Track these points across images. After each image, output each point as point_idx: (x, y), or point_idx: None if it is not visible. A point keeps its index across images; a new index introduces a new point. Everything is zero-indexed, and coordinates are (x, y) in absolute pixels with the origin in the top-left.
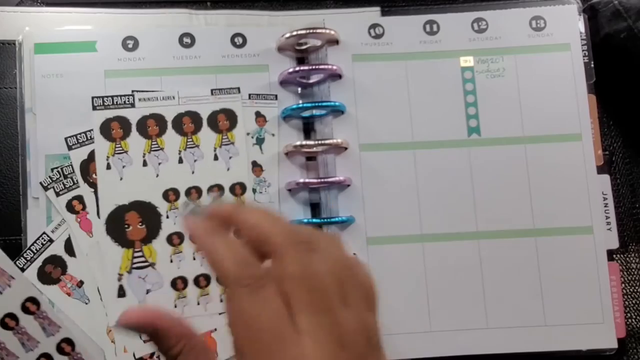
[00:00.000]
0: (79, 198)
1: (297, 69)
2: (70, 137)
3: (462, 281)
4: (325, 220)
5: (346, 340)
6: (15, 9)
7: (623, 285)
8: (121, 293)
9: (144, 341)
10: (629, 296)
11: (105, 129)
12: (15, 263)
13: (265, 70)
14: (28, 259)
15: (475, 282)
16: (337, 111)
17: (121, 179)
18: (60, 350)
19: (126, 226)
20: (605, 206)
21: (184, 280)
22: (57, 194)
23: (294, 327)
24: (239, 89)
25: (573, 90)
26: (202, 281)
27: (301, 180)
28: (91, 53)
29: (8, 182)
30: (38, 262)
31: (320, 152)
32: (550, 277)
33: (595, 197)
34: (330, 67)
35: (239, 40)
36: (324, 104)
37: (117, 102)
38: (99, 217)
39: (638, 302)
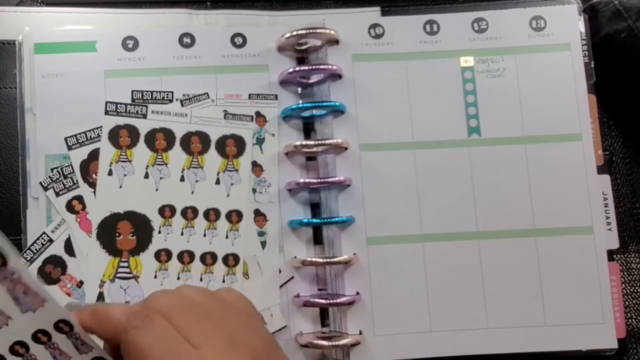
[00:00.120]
0: (79, 198)
1: (297, 69)
2: (70, 137)
3: (462, 281)
4: (325, 220)
5: (237, 338)
6: (15, 9)
7: (623, 285)
8: (99, 300)
9: None
10: (629, 296)
11: (114, 135)
12: None
13: (265, 70)
14: (28, 259)
15: (476, 282)
16: (337, 111)
17: (120, 187)
18: None
19: (117, 235)
20: (605, 206)
21: None
22: (57, 194)
23: (190, 344)
24: (252, 117)
25: (573, 90)
26: None
27: (301, 180)
28: (91, 53)
29: (8, 182)
30: (38, 262)
31: (320, 152)
32: (550, 277)
33: (596, 197)
34: (330, 67)
35: (239, 40)
36: (324, 104)
37: (129, 110)
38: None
39: (638, 302)
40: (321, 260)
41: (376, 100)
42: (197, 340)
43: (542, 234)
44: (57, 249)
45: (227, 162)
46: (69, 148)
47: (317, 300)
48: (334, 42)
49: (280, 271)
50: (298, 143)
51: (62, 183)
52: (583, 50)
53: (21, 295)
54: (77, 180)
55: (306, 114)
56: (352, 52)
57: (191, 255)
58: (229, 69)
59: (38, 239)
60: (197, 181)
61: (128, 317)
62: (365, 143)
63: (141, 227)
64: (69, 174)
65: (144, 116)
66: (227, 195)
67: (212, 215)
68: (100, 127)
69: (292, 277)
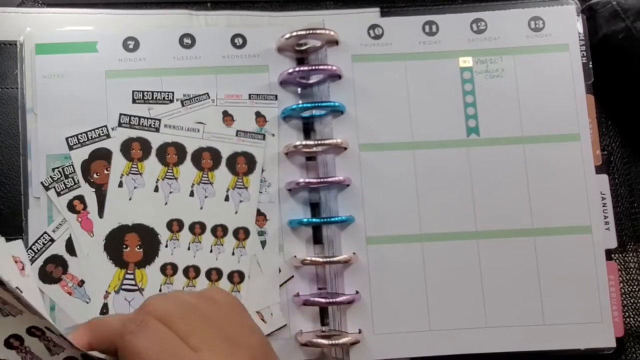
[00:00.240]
0: (80, 198)
1: (297, 69)
2: (71, 137)
3: (461, 280)
4: (325, 220)
5: (236, 339)
6: (16, 10)
7: (621, 284)
8: (104, 311)
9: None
10: (627, 295)
11: (126, 147)
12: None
13: (265, 71)
14: (29, 258)
15: (474, 281)
16: (337, 111)
17: (130, 199)
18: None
19: (124, 247)
20: (603, 206)
21: None
22: (58, 194)
23: (189, 347)
24: (264, 135)
25: (571, 91)
26: None
27: (301, 180)
28: (92, 53)
29: (9, 181)
30: (39, 262)
31: (320, 152)
32: (548, 276)
33: (594, 196)
34: (329, 67)
35: (239, 40)
36: (324, 104)
37: (143, 123)
38: (100, 217)
39: (636, 301)
40: (321, 259)
41: (376, 100)
42: (196, 343)
43: (541, 233)
44: (58, 248)
45: (237, 179)
46: (70, 148)
47: (316, 299)
48: (334, 42)
49: (280, 270)
50: (298, 143)
51: (64, 183)
52: (581, 51)
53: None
54: (78, 180)
55: (306, 114)
56: (351, 52)
57: (197, 270)
58: (229, 69)
59: (39, 238)
60: (206, 197)
61: (124, 323)
62: (364, 143)
63: (148, 240)
64: (70, 173)
65: (157, 130)
66: (236, 212)
67: (219, 231)
68: (102, 126)
69: (292, 277)
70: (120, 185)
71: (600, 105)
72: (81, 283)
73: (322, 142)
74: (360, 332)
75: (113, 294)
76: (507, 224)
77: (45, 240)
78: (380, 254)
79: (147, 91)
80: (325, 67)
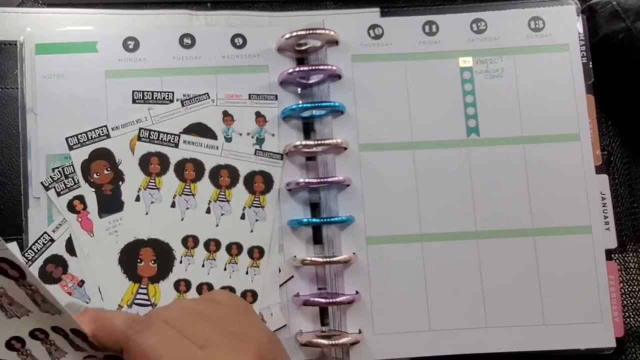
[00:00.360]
0: (80, 198)
1: (297, 69)
2: (71, 137)
3: (461, 280)
4: (325, 219)
5: (240, 334)
6: (16, 10)
7: (621, 284)
8: None
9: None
10: (627, 295)
11: (144, 162)
12: None
13: (265, 71)
14: (29, 258)
15: (474, 281)
16: (337, 111)
17: (147, 213)
18: None
19: (139, 261)
20: (603, 206)
21: None
22: (58, 194)
23: (196, 345)
24: (281, 155)
25: (572, 91)
26: None
27: (301, 180)
28: (92, 53)
29: (9, 181)
30: (39, 262)
31: (320, 152)
32: (548, 276)
33: (594, 197)
34: (329, 67)
35: (239, 40)
36: (324, 104)
37: (162, 138)
38: (100, 217)
39: (636, 301)
40: (321, 259)
41: (375, 100)
42: (201, 341)
43: (541, 233)
44: (58, 248)
45: (253, 198)
46: (70, 148)
47: (316, 299)
48: (334, 42)
49: (280, 270)
50: (298, 143)
51: (64, 183)
52: (581, 51)
53: (40, 300)
54: (78, 180)
55: (306, 114)
56: (351, 52)
57: (210, 287)
58: (229, 69)
59: (39, 238)
60: (222, 214)
61: (129, 324)
62: (364, 143)
63: (163, 255)
64: (70, 173)
65: (176, 145)
66: (251, 231)
67: (234, 249)
68: (102, 126)
69: (292, 277)
70: (138, 199)
71: (600, 105)
72: (81, 283)
73: (322, 142)
74: (360, 332)
75: (126, 308)
76: (507, 224)
77: (45, 240)
78: (380, 254)
79: (147, 91)
80: (325, 67)
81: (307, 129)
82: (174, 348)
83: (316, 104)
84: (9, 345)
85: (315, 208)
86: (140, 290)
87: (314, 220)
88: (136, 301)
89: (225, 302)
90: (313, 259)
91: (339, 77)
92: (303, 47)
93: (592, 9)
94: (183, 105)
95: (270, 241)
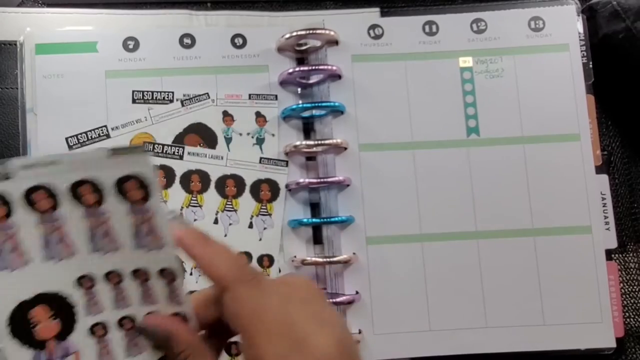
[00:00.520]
0: None
1: (297, 69)
2: (71, 137)
3: (461, 280)
4: (325, 219)
5: (342, 337)
6: (16, 10)
7: (621, 284)
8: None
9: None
10: (627, 295)
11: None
12: None
13: (265, 71)
14: None
15: (474, 281)
16: (337, 111)
17: None
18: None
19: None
20: (603, 206)
21: None
22: None
23: (294, 318)
24: (287, 162)
25: (572, 91)
26: None
27: (301, 180)
28: (92, 53)
29: None
30: None
31: (320, 152)
32: (549, 276)
33: (594, 197)
34: (329, 67)
35: (239, 40)
36: (324, 104)
37: (166, 151)
38: None
39: (636, 301)
40: (321, 259)
41: (375, 100)
42: (292, 317)
43: (541, 233)
44: None
45: (260, 206)
46: (70, 148)
47: None
48: (334, 42)
49: (280, 271)
50: (298, 143)
51: None
52: (581, 51)
53: (142, 233)
54: None
55: (306, 114)
56: (351, 52)
57: None
58: (229, 69)
59: None
60: (230, 224)
61: (239, 267)
62: (364, 143)
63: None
64: None
65: (181, 157)
66: (260, 240)
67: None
68: (102, 126)
69: None
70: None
71: (601, 105)
72: None
73: (322, 142)
74: (360, 332)
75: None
76: (507, 224)
77: None
78: (380, 254)
79: (147, 91)
80: (325, 67)
81: (307, 129)
82: (279, 318)
83: (316, 104)
84: (78, 282)
85: (315, 208)
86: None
87: (314, 220)
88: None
89: (301, 286)
90: (313, 259)
91: (339, 77)
92: (303, 47)
93: (592, 9)
94: (183, 105)
95: (279, 248)
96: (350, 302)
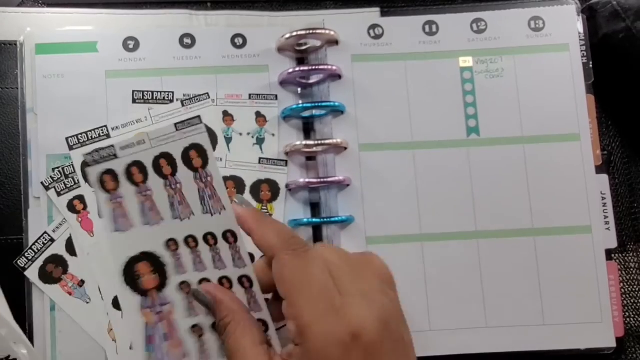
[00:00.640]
0: (80, 198)
1: (297, 69)
2: (71, 137)
3: (461, 280)
4: (325, 219)
5: (384, 315)
6: (16, 10)
7: (621, 284)
8: None
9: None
10: (628, 295)
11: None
12: (16, 262)
13: (265, 71)
14: (29, 258)
15: (475, 281)
16: (337, 111)
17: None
18: (241, 282)
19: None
20: (603, 206)
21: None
22: (59, 194)
23: (337, 287)
24: (286, 162)
25: (572, 91)
26: None
27: (301, 180)
28: (92, 53)
29: (9, 182)
30: (39, 262)
31: (320, 152)
32: (549, 276)
33: (594, 196)
34: (330, 67)
35: (239, 40)
36: (324, 104)
37: None
38: (100, 217)
39: (636, 301)
40: None
41: (376, 100)
42: (343, 288)
43: (541, 233)
44: (58, 248)
45: (261, 206)
46: (70, 148)
47: None
48: (334, 42)
49: None
50: (298, 143)
51: (64, 183)
52: (581, 51)
53: (207, 198)
54: (78, 180)
55: (306, 114)
56: (351, 52)
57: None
58: (229, 69)
59: (39, 238)
60: None
61: (286, 239)
62: (364, 143)
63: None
64: (70, 173)
65: None
66: None
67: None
68: (103, 126)
69: None
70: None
71: (601, 105)
72: (81, 283)
73: (322, 142)
74: None
75: None
76: (507, 224)
77: (46, 240)
78: (380, 254)
79: (148, 91)
80: (325, 67)
81: (307, 129)
82: (318, 283)
83: (316, 104)
84: (167, 245)
85: (315, 208)
86: None
87: (314, 220)
88: None
89: (376, 266)
90: None
91: (339, 77)
92: (303, 47)
93: (593, 9)
94: (183, 105)
95: None
96: None
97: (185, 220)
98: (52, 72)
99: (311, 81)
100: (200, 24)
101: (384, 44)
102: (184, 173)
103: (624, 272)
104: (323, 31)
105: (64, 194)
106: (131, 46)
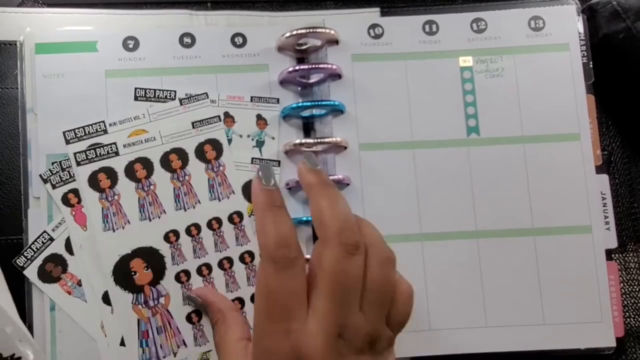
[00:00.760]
0: (75, 191)
1: (297, 68)
2: (68, 131)
3: (461, 280)
4: None
5: (347, 333)
6: (16, 10)
7: (621, 284)
8: None
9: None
10: (628, 295)
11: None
12: (15, 262)
13: (265, 70)
14: (28, 257)
15: (475, 281)
16: (337, 111)
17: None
18: (242, 259)
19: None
20: (604, 206)
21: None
22: (54, 187)
23: (307, 305)
24: (279, 162)
25: (572, 90)
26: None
27: None
28: (92, 53)
29: (9, 181)
30: (38, 261)
31: (320, 151)
32: (549, 276)
33: (594, 196)
34: (330, 66)
35: (239, 40)
36: (324, 103)
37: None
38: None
39: (636, 301)
40: None
41: (375, 100)
42: (316, 304)
43: (541, 233)
44: (57, 247)
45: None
46: (67, 142)
47: None
48: (334, 42)
49: None
50: (298, 141)
51: (59, 175)
52: (582, 51)
53: (217, 185)
54: (73, 174)
55: (306, 113)
56: (351, 52)
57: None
58: (229, 68)
59: (39, 237)
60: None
61: (277, 247)
62: (364, 142)
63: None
64: (67, 167)
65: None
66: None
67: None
68: (100, 121)
69: None
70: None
71: (601, 105)
72: (80, 282)
73: (322, 140)
74: None
75: None
76: (507, 223)
77: (45, 239)
78: None
79: (149, 89)
80: (326, 66)
81: (307, 129)
82: (287, 299)
83: (316, 103)
84: (166, 237)
85: None
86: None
87: None
88: None
89: (383, 298)
90: None
91: (339, 76)
92: (303, 47)
93: (593, 9)
94: (181, 104)
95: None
96: None
97: (190, 209)
98: (52, 71)
99: (311, 80)
100: (200, 24)
101: (384, 44)
102: (195, 165)
103: (624, 272)
104: (323, 30)
105: (59, 186)
106: (131, 46)
